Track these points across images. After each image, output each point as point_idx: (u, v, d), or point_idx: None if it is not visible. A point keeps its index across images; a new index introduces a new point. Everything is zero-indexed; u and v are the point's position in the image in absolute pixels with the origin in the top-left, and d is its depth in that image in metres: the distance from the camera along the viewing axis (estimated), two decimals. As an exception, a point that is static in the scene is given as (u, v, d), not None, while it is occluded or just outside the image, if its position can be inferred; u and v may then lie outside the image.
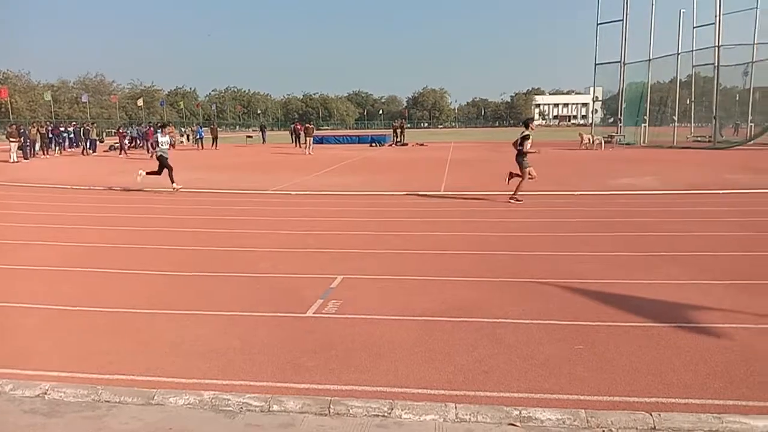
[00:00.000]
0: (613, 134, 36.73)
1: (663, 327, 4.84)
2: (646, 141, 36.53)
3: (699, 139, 36.30)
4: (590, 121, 51.62)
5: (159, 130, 16.85)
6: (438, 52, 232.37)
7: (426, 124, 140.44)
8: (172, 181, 15.27)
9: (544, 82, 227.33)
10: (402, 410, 3.47)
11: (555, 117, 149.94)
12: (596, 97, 51.85)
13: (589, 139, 33.59)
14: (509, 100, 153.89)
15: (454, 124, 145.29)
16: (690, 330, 4.78)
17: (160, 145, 15.50)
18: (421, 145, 41.72)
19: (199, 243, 8.80)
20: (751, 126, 34.68)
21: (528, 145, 12.70)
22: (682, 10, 36.88)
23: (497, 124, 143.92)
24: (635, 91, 38.30)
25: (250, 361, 4.29)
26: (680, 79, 38.67)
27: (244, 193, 15.13)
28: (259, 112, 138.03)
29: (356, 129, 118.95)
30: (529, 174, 12.80)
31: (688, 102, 39.74)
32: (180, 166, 25.31)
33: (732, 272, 6.56)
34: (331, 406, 3.52)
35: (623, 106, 38.54)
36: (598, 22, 37.19)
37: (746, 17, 33.70)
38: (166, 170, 15.21)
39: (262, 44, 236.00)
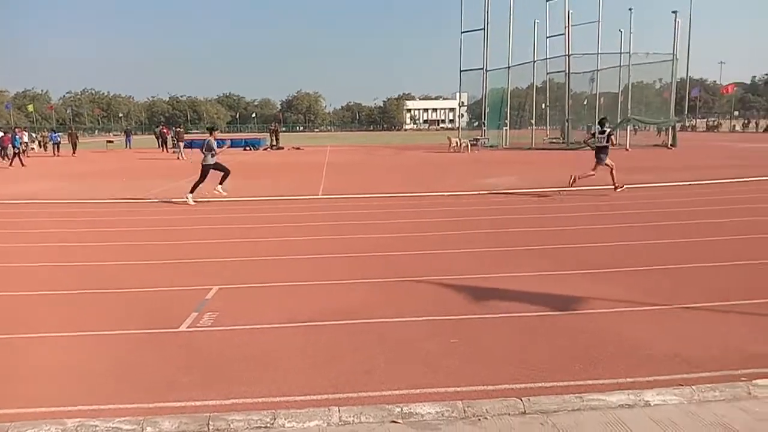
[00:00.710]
0: (479, 137, 38.77)
1: (530, 316, 5.19)
2: (508, 143, 38.94)
3: (554, 140, 39.33)
4: (457, 125, 54.13)
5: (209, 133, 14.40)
6: (312, 56, 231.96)
7: (301, 128, 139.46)
8: (221, 183, 13.84)
9: (414, 87, 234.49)
10: (285, 419, 3.42)
11: (425, 121, 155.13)
12: (462, 102, 54.42)
13: (456, 143, 35.22)
14: (382, 105, 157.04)
15: (329, 127, 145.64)
16: (554, 318, 5.16)
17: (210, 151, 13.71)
18: (297, 149, 41.40)
19: (62, 258, 8.09)
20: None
21: (602, 139, 14.11)
22: (536, 21, 39.83)
23: (371, 128, 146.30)
24: (497, 96, 40.76)
25: (120, 382, 4.01)
26: (536, 85, 41.69)
27: (110, 202, 14.12)
28: (120, 115, 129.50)
29: (229, 132, 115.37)
30: (608, 165, 13.91)
31: (543, 106, 42.92)
32: (35, 174, 23.19)
33: (589, 262, 7.17)
34: (210, 422, 3.39)
35: (487, 110, 40.84)
36: (462, 30, 39.10)
37: (592, 29, 37.04)
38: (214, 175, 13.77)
39: (123, 44, 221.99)
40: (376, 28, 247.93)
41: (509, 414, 3.46)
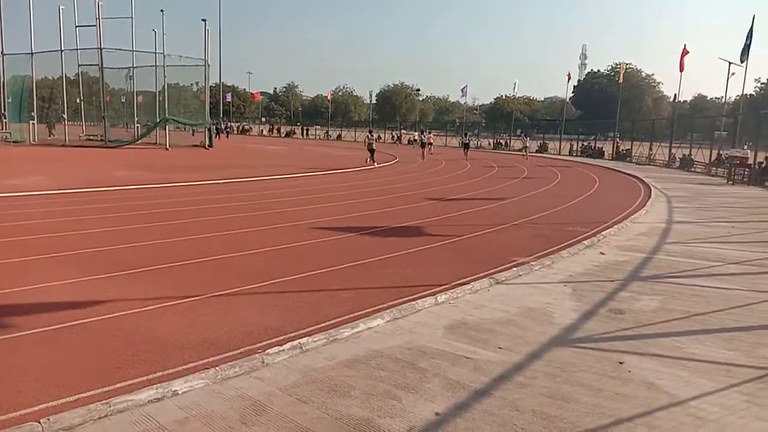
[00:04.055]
0: (-1, 131, 33.24)
1: (56, 329, 4.74)
2: (36, 139, 34.56)
3: (92, 137, 36.79)
4: (-33, 115, 45.08)
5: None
6: None
7: None
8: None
9: None
10: None
11: None
12: (-27, 87, 45.59)
13: (-34, 136, 29.34)
14: None
15: None
16: (82, 326, 4.85)
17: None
18: None
19: None
20: (138, 126, 37.56)
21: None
22: (61, 7, 36.26)
23: None
24: (20, 85, 35.63)
25: None
26: (69, 77, 38.17)
27: None
28: None
29: None
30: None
31: (77, 100, 39.63)
32: None
33: (119, 264, 6.97)
34: None
35: (8, 100, 35.26)
36: (-36, 3, 32.62)
37: (126, 24, 36.01)
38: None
39: None
40: None
41: (24, 441, 3.09)
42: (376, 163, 26.45)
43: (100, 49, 33.68)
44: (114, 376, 3.91)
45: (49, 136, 35.86)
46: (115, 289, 5.92)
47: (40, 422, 3.21)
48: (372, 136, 28.93)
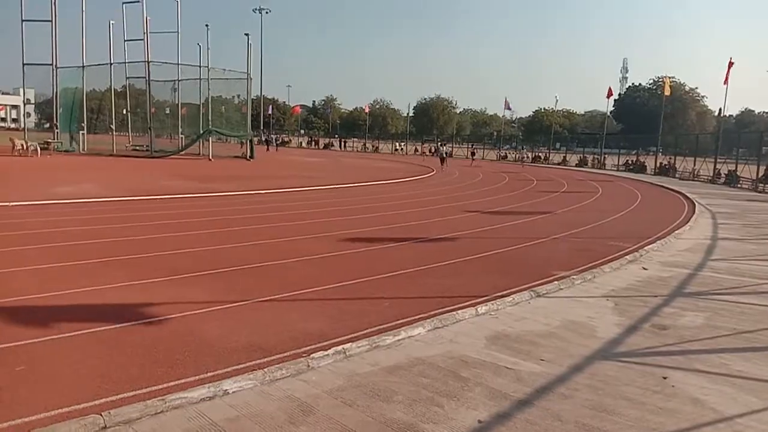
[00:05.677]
0: (50, 140, 34.54)
1: (110, 329, 4.96)
2: (86, 148, 35.83)
3: (138, 147, 37.92)
4: (23, 125, 46.99)
5: None
6: None
7: None
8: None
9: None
10: None
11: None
12: (28, 99, 47.58)
13: (22, 145, 30.52)
14: None
15: None
16: (135, 327, 5.06)
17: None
18: None
19: None
20: (182, 137, 38.58)
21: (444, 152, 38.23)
22: (111, 22, 37.70)
23: None
24: (71, 96, 37.06)
25: None
26: (116, 89, 39.55)
27: None
28: None
29: None
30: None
31: (125, 112, 40.95)
32: None
33: (168, 269, 7.22)
34: None
35: (59, 111, 36.69)
36: (23, 18, 34.17)
37: (172, 38, 37.14)
38: None
39: None
40: None
41: (87, 432, 3.27)
42: (444, 168, 33.83)
43: (147, 62, 34.81)
44: (168, 374, 4.09)
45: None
46: (167, 293, 6.16)
47: (101, 414, 3.39)
48: (442, 147, 37.39)
